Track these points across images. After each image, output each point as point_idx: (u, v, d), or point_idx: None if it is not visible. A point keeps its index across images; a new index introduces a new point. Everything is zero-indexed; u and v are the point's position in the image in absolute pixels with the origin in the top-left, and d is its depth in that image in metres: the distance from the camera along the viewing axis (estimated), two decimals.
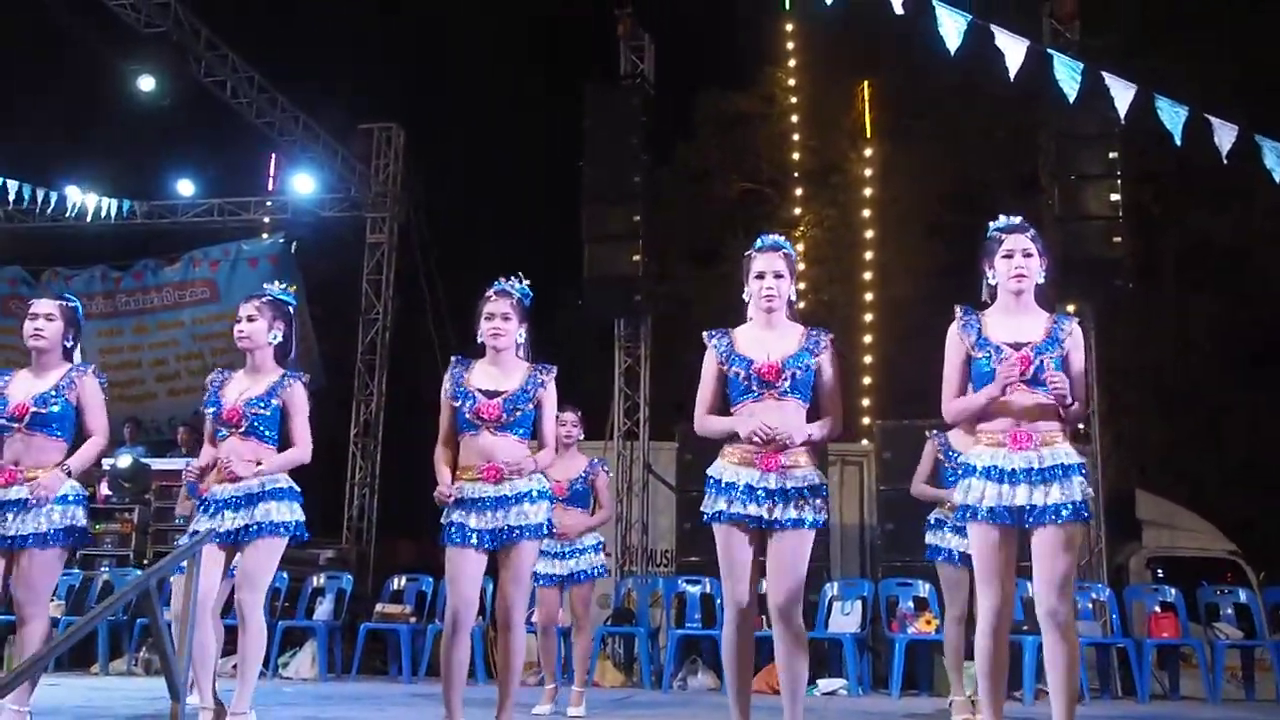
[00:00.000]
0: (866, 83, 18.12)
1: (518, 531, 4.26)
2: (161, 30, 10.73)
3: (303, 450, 4.61)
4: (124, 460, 10.86)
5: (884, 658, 8.92)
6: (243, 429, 4.51)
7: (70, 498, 4.61)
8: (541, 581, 6.42)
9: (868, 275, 17.31)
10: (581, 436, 6.70)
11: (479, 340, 4.47)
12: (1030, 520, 3.86)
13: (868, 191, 17.77)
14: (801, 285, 15.52)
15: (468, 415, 4.34)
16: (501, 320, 4.42)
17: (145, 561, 10.25)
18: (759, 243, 4.24)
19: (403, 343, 13.53)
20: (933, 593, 8.45)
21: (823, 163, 18.84)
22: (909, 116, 18.13)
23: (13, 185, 11.75)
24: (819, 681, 8.24)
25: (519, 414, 4.35)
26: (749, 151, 19.33)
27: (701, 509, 4.13)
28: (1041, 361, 3.91)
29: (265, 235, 14.27)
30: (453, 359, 4.52)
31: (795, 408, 4.07)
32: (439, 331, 13.39)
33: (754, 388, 4.06)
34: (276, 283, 4.88)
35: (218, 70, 11.62)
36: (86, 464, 4.71)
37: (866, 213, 17.70)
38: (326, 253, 14.40)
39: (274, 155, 14.75)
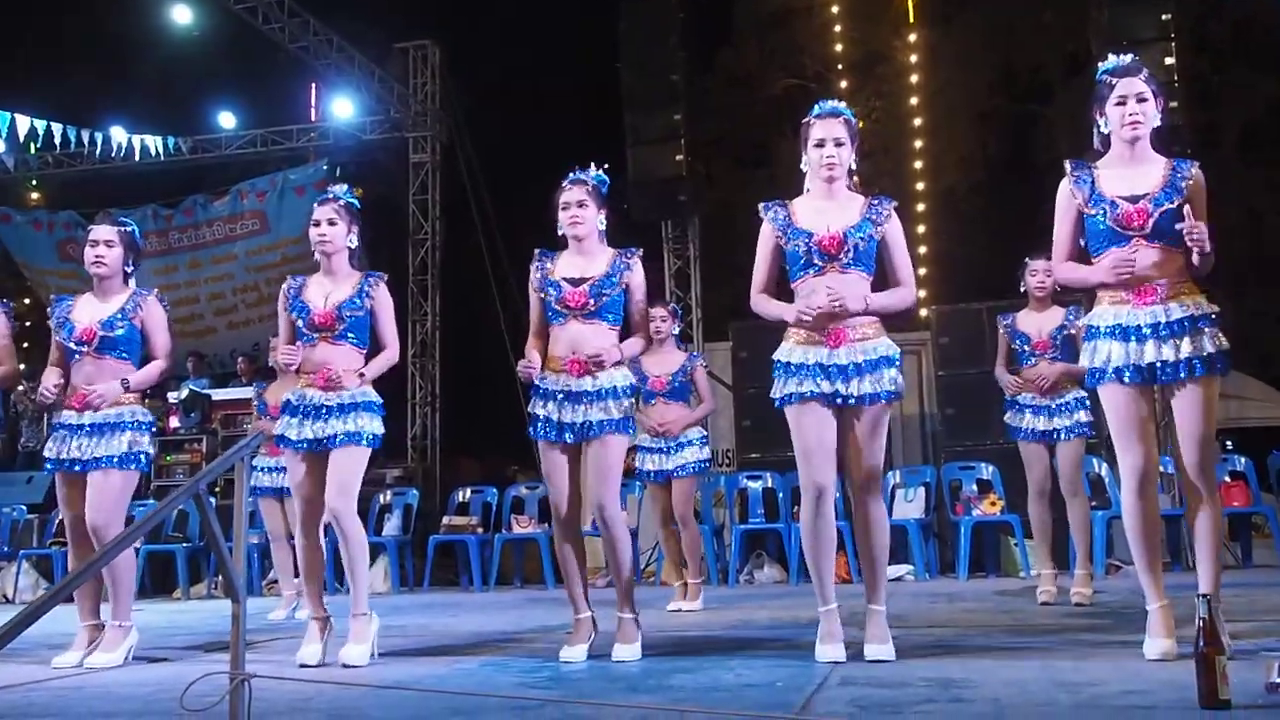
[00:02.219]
0: None
1: (601, 425, 4.19)
2: None
3: (393, 352, 4.58)
4: (183, 392, 11.08)
5: (949, 542, 8.92)
6: (337, 331, 4.45)
7: (138, 423, 4.69)
8: (651, 478, 6.47)
9: (918, 165, 17.01)
10: (676, 331, 6.67)
11: (559, 233, 4.39)
12: (1163, 378, 3.66)
13: (914, 79, 17.37)
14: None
15: (555, 305, 4.27)
16: (578, 208, 4.32)
17: (217, 489, 10.48)
18: (817, 109, 4.07)
19: (453, 260, 13.56)
20: (997, 474, 8.42)
21: (867, 53, 18.44)
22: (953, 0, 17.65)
23: (59, 130, 11.79)
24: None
25: (606, 299, 4.26)
26: (791, 48, 18.94)
27: (771, 395, 3.99)
28: (1162, 213, 3.68)
29: (310, 162, 14.29)
30: (536, 252, 4.44)
31: (857, 280, 3.91)
32: (489, 246, 13.39)
33: (815, 261, 3.92)
34: (343, 186, 4.82)
35: None
36: (147, 382, 4.78)
37: (914, 101, 17.33)
38: (371, 176, 14.39)
39: (314, 83, 14.75)
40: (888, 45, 18.30)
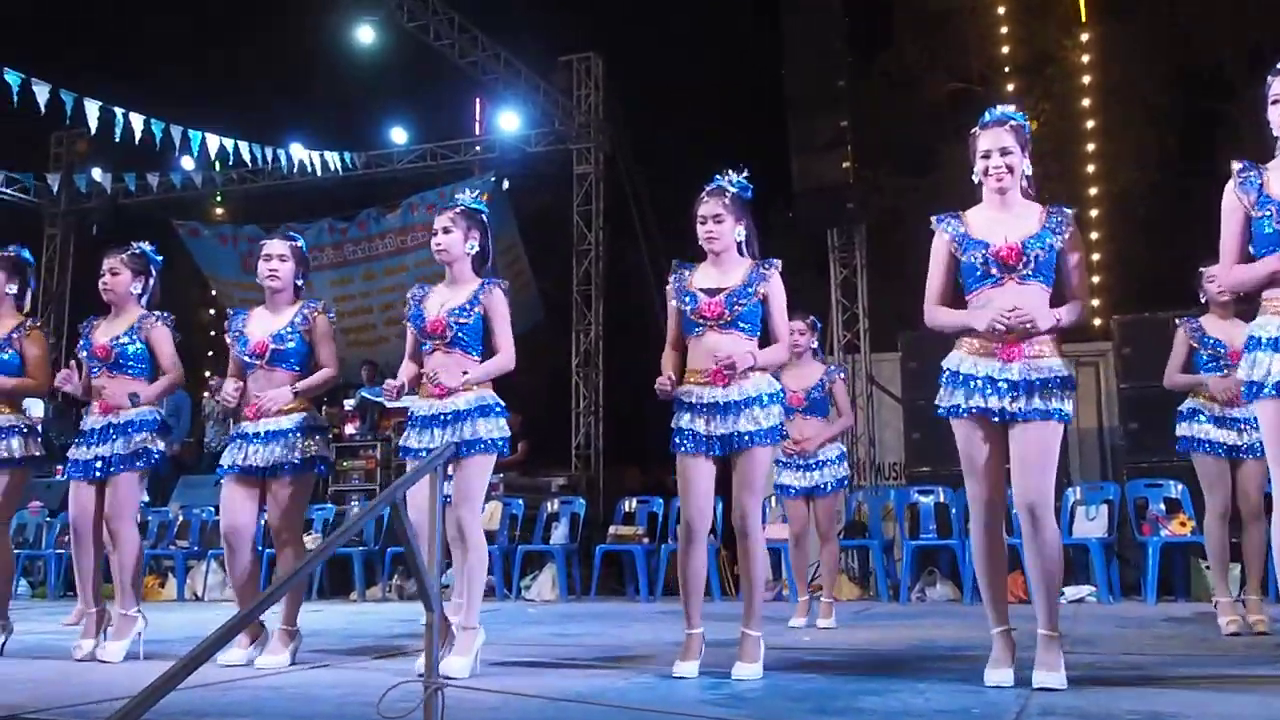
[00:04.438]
0: None
1: (748, 437, 4.11)
2: None
3: (506, 357, 4.48)
4: (355, 399, 11.49)
5: (1133, 563, 8.54)
6: (448, 340, 4.41)
7: (313, 428, 4.80)
8: (790, 493, 6.39)
9: (1091, 168, 16.41)
10: (814, 344, 6.57)
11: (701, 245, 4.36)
12: None
13: (1086, 79, 16.77)
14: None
15: (691, 315, 4.23)
16: (714, 223, 4.27)
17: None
18: (985, 117, 3.94)
19: (616, 271, 13.66)
20: (1185, 493, 8.01)
21: (1035, 53, 17.87)
22: None
23: (245, 148, 12.33)
24: (1065, 589, 7.94)
25: (741, 309, 4.19)
26: (954, 49, 18.50)
27: (936, 403, 3.87)
28: None
29: (476, 175, 14.61)
30: (674, 263, 4.41)
31: (1038, 292, 3.76)
32: (651, 257, 13.45)
33: (993, 272, 3.78)
34: (467, 191, 4.83)
35: (420, 14, 11.87)
36: (314, 389, 4.87)
37: (1086, 102, 16.73)
38: (536, 189, 14.67)
39: (478, 98, 15.09)
40: (1057, 45, 17.71)
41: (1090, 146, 16.42)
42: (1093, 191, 16.09)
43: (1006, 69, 17.80)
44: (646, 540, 9.53)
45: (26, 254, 5.59)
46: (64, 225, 15.51)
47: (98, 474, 4.95)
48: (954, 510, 8.61)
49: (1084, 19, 17.34)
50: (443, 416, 4.39)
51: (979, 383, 3.75)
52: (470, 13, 12.41)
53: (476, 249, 4.56)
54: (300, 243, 5.08)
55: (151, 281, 5.27)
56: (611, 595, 9.97)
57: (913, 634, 5.83)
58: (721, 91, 15.87)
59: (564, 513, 9.96)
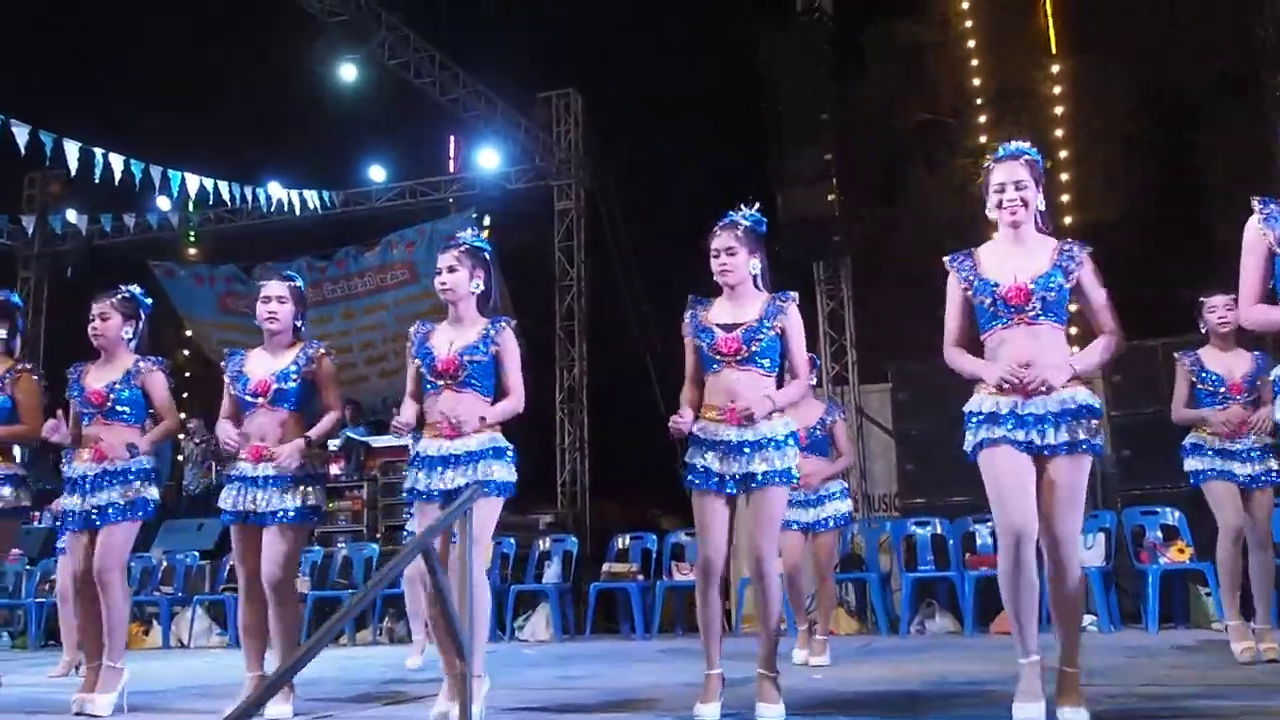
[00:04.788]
0: None
1: (764, 477, 4.05)
2: (344, 19, 10.96)
3: (517, 399, 4.40)
4: (340, 439, 11.35)
5: (1130, 591, 8.51)
6: (460, 379, 4.33)
7: (309, 477, 4.72)
8: (789, 526, 6.32)
9: (1065, 198, 16.51)
10: (812, 381, 6.53)
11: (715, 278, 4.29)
12: None
13: (1058, 110, 16.93)
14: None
15: (708, 352, 4.17)
16: (727, 255, 4.19)
17: (378, 535, 10.65)
18: (1000, 151, 3.91)
19: (599, 307, 13.61)
20: (1183, 520, 8.02)
21: (1006, 84, 18.03)
22: (1098, 23, 17.18)
23: (223, 187, 12.21)
24: None
25: (759, 344, 4.14)
26: (925, 81, 18.67)
27: (965, 448, 3.78)
28: None
29: (453, 212, 14.56)
30: (690, 298, 4.34)
31: (1048, 332, 3.71)
32: (631, 292, 13.42)
33: (1000, 314, 3.73)
34: (470, 230, 4.80)
35: (401, 52, 11.84)
36: (324, 435, 4.80)
37: (1059, 133, 16.87)
38: (516, 224, 14.61)
39: (452, 135, 15.05)
40: (1028, 76, 17.89)
41: (1064, 176, 16.53)
42: (1067, 221, 16.15)
43: (978, 100, 17.96)
44: (641, 577, 9.42)
45: (15, 297, 5.48)
46: (38, 268, 15.31)
47: (95, 524, 4.81)
48: (951, 541, 8.58)
49: (1054, 50, 17.54)
50: (454, 457, 4.29)
51: (1005, 416, 3.69)
52: (450, 50, 12.40)
53: (481, 288, 4.47)
54: (299, 283, 4.98)
55: (141, 325, 5.16)
56: (605, 634, 9.85)
57: (924, 669, 5.76)
58: (700, 124, 15.87)
59: (556, 551, 9.84)
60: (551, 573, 9.62)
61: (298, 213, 13.49)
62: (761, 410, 4.07)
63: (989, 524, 8.66)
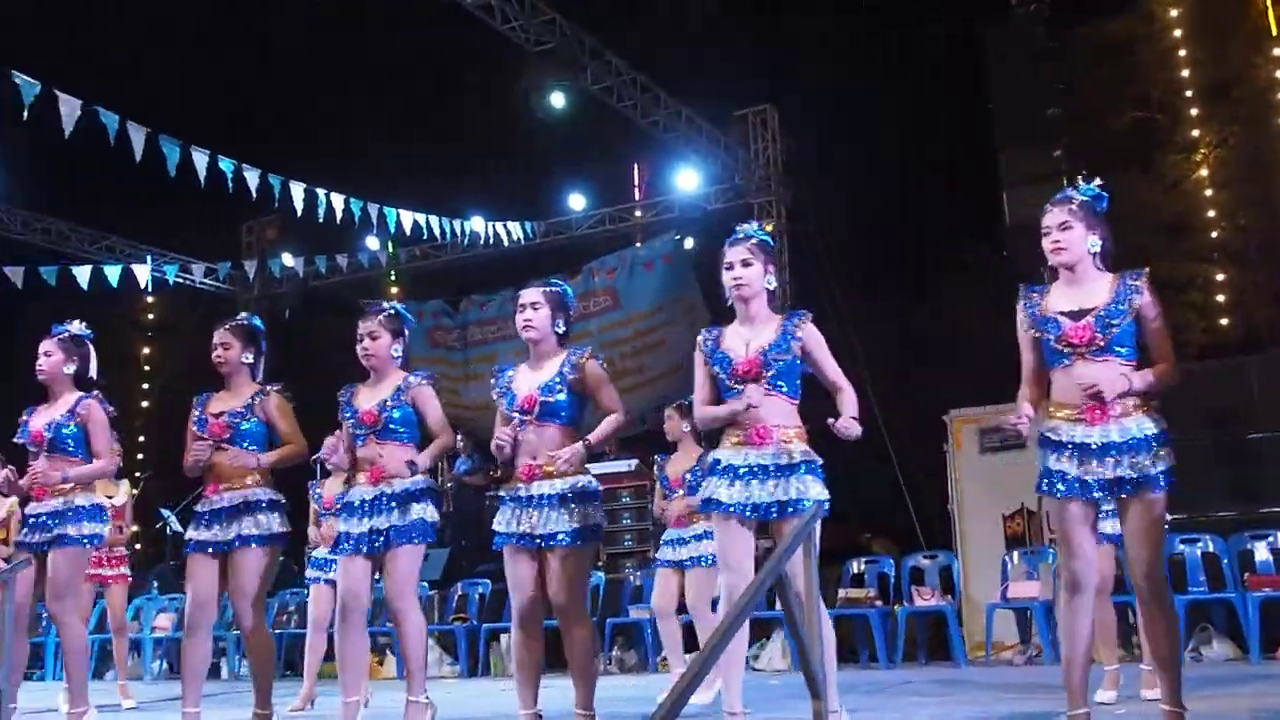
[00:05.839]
0: None
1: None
2: (549, 46, 10.97)
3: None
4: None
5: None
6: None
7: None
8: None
9: None
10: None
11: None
12: None
13: None
14: (1211, 213, 13.90)
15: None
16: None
17: (600, 563, 10.50)
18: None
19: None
20: None
21: (1220, 75, 17.02)
22: None
23: (432, 221, 12.35)
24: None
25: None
26: (1132, 78, 17.78)
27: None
28: None
29: (638, 240, 14.55)
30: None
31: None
32: (835, 311, 13.01)
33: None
34: (753, 224, 4.53)
35: (604, 77, 11.81)
36: (606, 439, 4.61)
37: None
38: (715, 246, 14.40)
39: (636, 162, 15.02)
40: (1245, 63, 16.84)
41: None
42: None
43: (1189, 94, 16.98)
44: (879, 603, 8.97)
45: (258, 321, 5.43)
46: (258, 311, 15.86)
47: (376, 549, 4.74)
48: (1225, 560, 7.91)
49: (1275, 33, 16.47)
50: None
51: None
52: (650, 72, 12.32)
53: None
54: (558, 287, 4.68)
55: (405, 341, 5.10)
56: (843, 662, 9.42)
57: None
58: (905, 130, 15.33)
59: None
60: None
61: (500, 245, 13.54)
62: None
63: (1268, 540, 7.97)
